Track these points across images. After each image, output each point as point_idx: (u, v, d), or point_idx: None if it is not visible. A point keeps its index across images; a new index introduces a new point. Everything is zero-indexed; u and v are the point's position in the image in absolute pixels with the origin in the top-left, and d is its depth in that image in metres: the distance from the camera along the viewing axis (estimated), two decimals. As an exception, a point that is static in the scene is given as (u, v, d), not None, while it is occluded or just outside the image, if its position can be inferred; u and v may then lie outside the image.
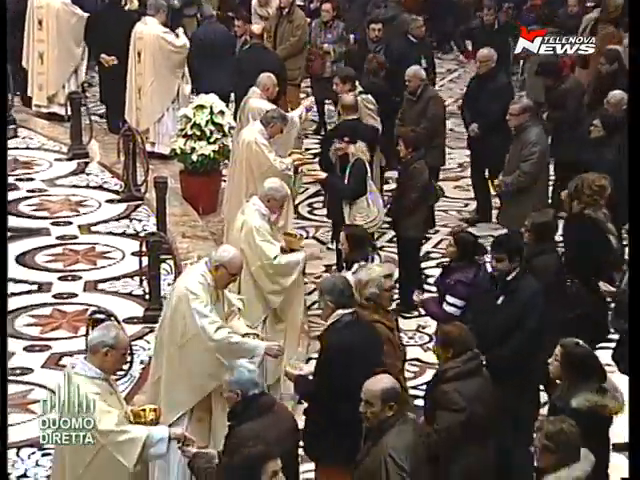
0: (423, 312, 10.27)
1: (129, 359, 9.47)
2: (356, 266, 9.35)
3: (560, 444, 6.62)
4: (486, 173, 13.33)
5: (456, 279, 9.34)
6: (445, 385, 7.64)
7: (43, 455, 8.63)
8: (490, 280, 9.28)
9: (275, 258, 9.59)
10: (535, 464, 6.93)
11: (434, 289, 9.95)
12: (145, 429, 7.00)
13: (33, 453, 8.83)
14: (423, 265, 12.11)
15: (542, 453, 6.71)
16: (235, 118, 13.18)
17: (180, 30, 14.93)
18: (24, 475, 8.63)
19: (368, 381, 6.97)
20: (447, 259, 9.83)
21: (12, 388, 9.63)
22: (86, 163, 14.62)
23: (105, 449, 6.87)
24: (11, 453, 8.71)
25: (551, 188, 12.79)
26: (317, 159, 13.24)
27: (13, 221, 12.83)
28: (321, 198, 13.65)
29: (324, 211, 12.96)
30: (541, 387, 8.93)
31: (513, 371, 8.55)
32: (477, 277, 9.38)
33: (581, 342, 7.66)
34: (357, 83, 13.18)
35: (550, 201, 12.45)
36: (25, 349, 10.36)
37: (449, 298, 9.28)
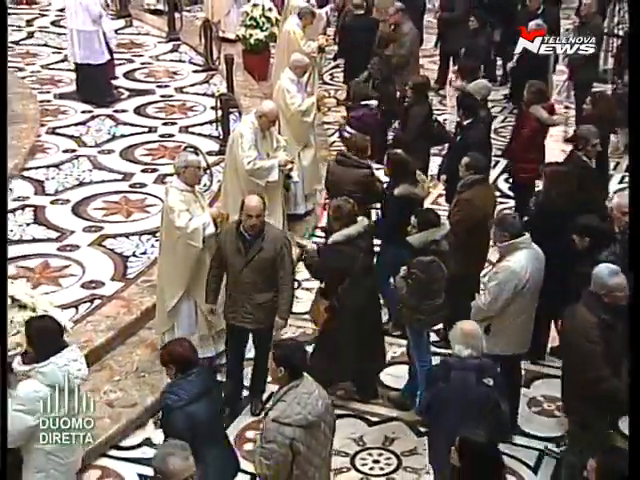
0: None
1: (210, 179, 9.60)
2: None
3: (340, 214, 6.75)
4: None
5: (351, 115, 9.40)
6: None
7: (156, 240, 8.36)
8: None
9: (300, 105, 9.36)
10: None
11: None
12: (200, 219, 6.96)
13: (149, 239, 8.92)
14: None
15: (332, 221, 6.90)
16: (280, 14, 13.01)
17: None
18: (144, 252, 8.69)
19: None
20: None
21: (133, 196, 9.82)
22: (178, 45, 14.41)
23: (182, 238, 6.96)
24: (135, 239, 8.95)
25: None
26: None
27: (130, 84, 12.89)
28: (338, 70, 13.47)
29: (341, 78, 12.83)
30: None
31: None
32: (364, 115, 9.37)
33: (399, 151, 7.74)
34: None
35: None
36: (141, 171, 10.38)
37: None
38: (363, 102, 9.46)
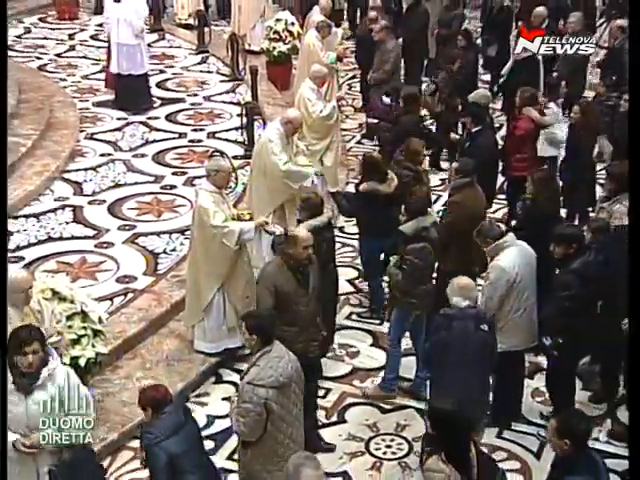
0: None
1: (235, 181, 9.54)
2: None
3: (308, 206, 6.91)
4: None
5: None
6: None
7: (185, 239, 8.53)
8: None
9: (321, 112, 9.45)
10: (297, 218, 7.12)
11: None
12: (238, 224, 7.02)
13: (178, 237, 8.89)
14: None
15: (299, 212, 7.04)
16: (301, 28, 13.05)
17: None
18: (173, 249, 8.69)
19: None
20: None
21: (164, 197, 9.79)
22: (207, 57, 14.44)
23: (216, 237, 6.94)
24: (165, 237, 8.93)
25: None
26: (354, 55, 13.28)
27: (162, 93, 12.87)
28: (355, 80, 13.52)
29: (358, 87, 12.87)
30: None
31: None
32: (373, 105, 9.76)
33: (375, 153, 8.00)
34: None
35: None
36: (172, 174, 10.38)
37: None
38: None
